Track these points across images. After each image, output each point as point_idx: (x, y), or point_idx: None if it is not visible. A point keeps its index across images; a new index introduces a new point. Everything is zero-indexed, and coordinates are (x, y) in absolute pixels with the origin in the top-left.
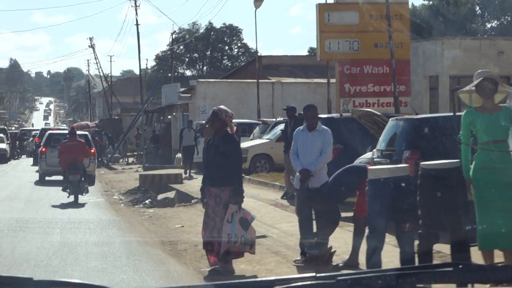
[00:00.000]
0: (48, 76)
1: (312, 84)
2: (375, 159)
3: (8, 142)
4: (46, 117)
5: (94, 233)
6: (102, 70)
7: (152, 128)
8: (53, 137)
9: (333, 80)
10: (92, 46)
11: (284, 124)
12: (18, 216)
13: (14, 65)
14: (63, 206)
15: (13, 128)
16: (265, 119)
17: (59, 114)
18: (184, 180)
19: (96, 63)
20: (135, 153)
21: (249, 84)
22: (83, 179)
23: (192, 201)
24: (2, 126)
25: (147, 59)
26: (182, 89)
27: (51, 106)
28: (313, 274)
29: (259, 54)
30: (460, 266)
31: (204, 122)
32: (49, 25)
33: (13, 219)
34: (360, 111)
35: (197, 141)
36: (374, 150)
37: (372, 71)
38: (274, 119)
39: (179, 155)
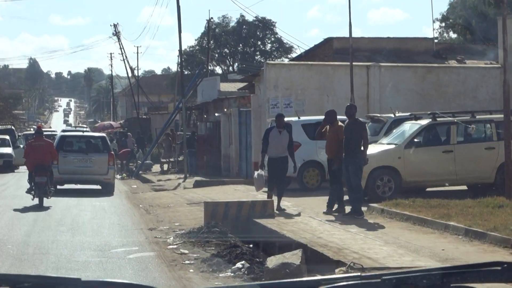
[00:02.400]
0: (69, 77)
1: (420, 68)
2: None
3: (19, 145)
4: (66, 115)
5: None
6: (128, 61)
7: (192, 128)
8: (66, 140)
9: None
10: (116, 34)
11: None
12: None
13: (33, 66)
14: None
15: (31, 129)
16: (378, 115)
17: (79, 114)
18: (276, 213)
19: (121, 53)
20: (171, 159)
21: (336, 69)
22: (49, 181)
23: (337, 270)
24: (9, 126)
25: (179, 60)
26: (234, 77)
27: (71, 105)
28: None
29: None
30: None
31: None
32: (67, 27)
33: None
34: None
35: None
36: None
37: None
38: (392, 115)
39: (260, 173)
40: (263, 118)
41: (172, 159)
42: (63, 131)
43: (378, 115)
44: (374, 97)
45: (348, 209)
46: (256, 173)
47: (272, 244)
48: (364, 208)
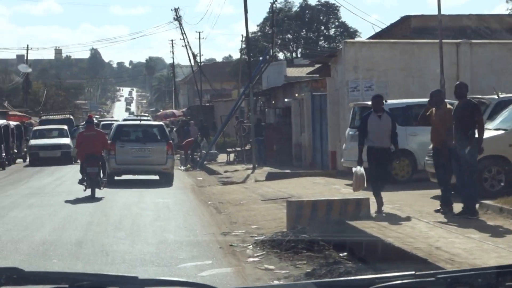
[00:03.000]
0: (130, 66)
1: None
2: None
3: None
4: (128, 104)
5: None
6: (189, 46)
7: (259, 115)
8: (123, 129)
9: None
10: (178, 19)
11: None
12: None
13: (95, 56)
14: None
15: (95, 119)
16: (479, 96)
17: (141, 104)
18: (374, 214)
19: (183, 38)
20: (237, 148)
21: (421, 47)
22: (101, 171)
23: None
24: (68, 116)
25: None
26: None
27: (133, 94)
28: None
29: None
30: None
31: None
32: (127, 17)
33: None
34: None
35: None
36: None
37: None
38: (495, 96)
39: (360, 170)
40: (341, 103)
41: (238, 148)
42: (124, 120)
43: (480, 96)
44: (464, 77)
45: (456, 207)
46: (354, 169)
47: (373, 254)
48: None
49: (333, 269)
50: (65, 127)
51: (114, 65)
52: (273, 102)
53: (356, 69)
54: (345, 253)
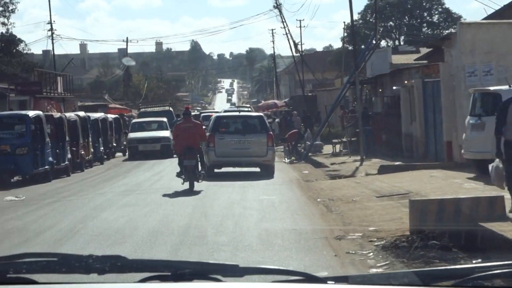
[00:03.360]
0: (230, 58)
1: None
2: None
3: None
4: (229, 95)
5: None
6: (290, 35)
7: (364, 104)
8: (222, 121)
9: None
10: (278, 6)
11: None
12: None
13: (195, 48)
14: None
15: (194, 111)
16: None
17: (242, 95)
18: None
19: (284, 26)
20: (343, 139)
21: None
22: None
23: None
24: (167, 108)
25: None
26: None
27: (234, 85)
28: None
29: None
30: None
31: None
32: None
33: None
34: None
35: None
36: None
37: None
38: None
39: (498, 165)
40: (456, 89)
41: (344, 139)
42: (225, 111)
43: None
44: None
45: None
46: (490, 166)
47: None
48: None
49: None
50: (165, 119)
51: (215, 57)
52: (380, 90)
53: (473, 53)
54: (479, 260)
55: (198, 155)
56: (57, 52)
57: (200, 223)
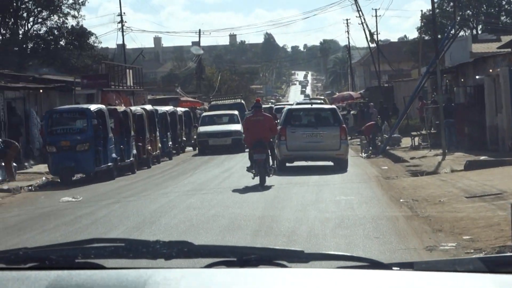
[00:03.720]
0: (304, 50)
1: None
2: None
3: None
4: (304, 86)
5: None
6: (366, 23)
7: (446, 95)
8: (293, 114)
9: None
10: None
11: None
12: None
13: (269, 40)
14: None
15: (268, 103)
16: None
17: (316, 87)
18: None
19: (359, 15)
20: (423, 131)
21: None
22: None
23: None
24: (238, 100)
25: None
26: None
27: (308, 77)
28: None
29: None
30: None
31: None
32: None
33: None
34: None
35: None
36: None
37: None
38: None
39: None
40: None
41: (423, 132)
42: (297, 103)
43: None
44: None
45: None
46: None
47: None
48: None
49: None
50: (236, 112)
51: (289, 49)
52: (461, 80)
53: None
54: None
55: (268, 149)
56: (131, 46)
57: (270, 229)
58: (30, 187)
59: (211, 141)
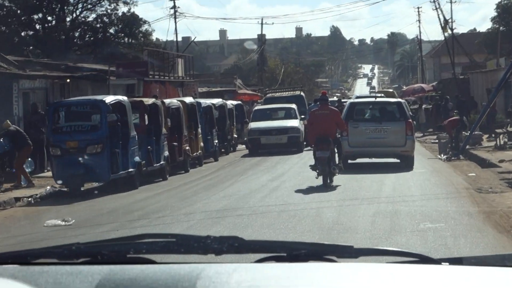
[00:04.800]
0: (371, 43)
1: None
2: None
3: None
4: (370, 79)
5: None
6: (441, 10)
7: None
8: (356, 107)
9: None
10: None
11: None
12: None
13: (335, 33)
14: None
15: (334, 97)
16: None
17: (383, 81)
18: None
19: (436, 7)
20: (509, 128)
21: None
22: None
23: None
24: (298, 92)
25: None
26: None
27: (375, 71)
28: None
29: None
30: None
31: None
32: None
33: None
34: None
35: None
36: None
37: None
38: None
39: None
40: None
41: (510, 129)
42: (357, 97)
43: None
44: None
45: None
46: None
47: None
48: None
49: None
50: (294, 106)
51: (356, 42)
52: None
53: None
54: None
55: (332, 146)
56: (196, 39)
57: None
58: (30, 199)
59: (264, 139)
